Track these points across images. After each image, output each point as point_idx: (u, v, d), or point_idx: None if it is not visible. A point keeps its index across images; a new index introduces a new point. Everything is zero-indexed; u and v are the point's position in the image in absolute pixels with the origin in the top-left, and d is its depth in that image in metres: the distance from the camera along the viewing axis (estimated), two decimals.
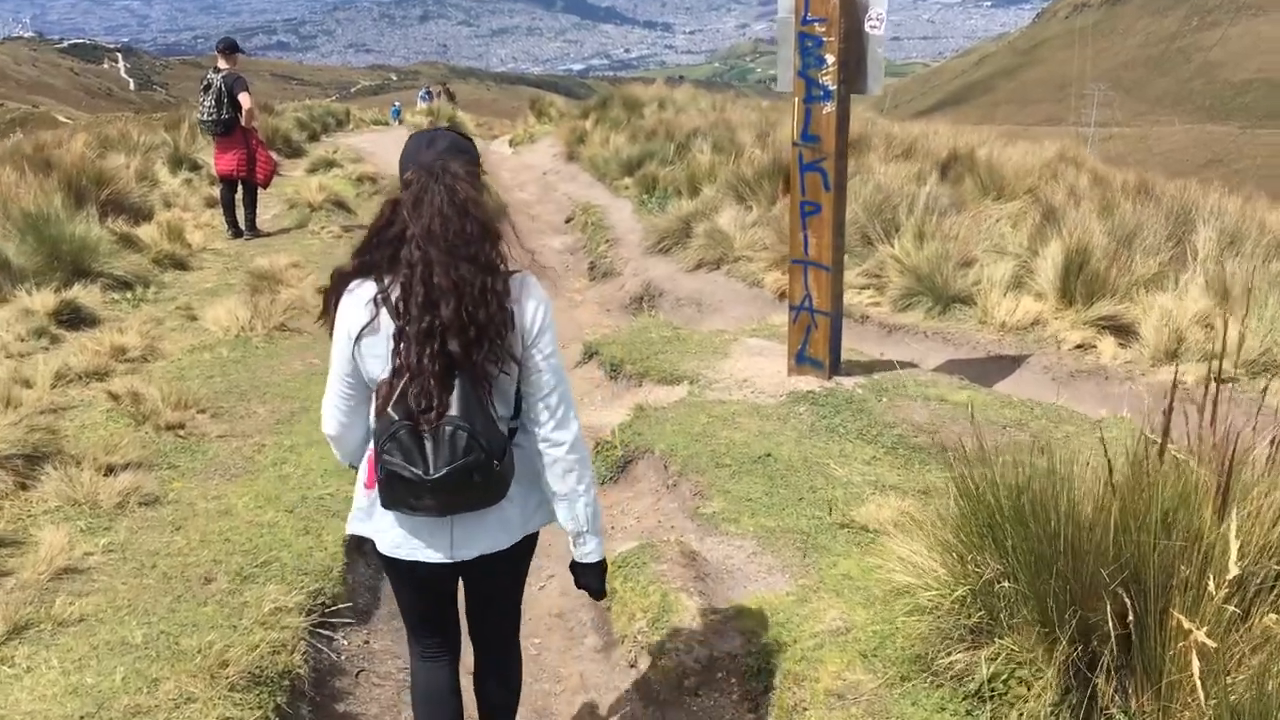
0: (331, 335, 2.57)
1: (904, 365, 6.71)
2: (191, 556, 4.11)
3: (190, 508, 4.58)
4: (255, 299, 7.66)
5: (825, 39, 5.63)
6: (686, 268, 10.22)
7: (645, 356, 7.21)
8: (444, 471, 2.35)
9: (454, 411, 2.35)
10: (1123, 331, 7.25)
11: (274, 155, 17.80)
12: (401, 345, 2.39)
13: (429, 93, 34.27)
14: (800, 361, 6.30)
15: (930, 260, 8.27)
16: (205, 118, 10.70)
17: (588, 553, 2.70)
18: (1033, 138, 18.80)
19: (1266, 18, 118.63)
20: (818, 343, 6.20)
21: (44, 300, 7.44)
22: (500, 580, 2.79)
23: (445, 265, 2.34)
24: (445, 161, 2.44)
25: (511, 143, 24.24)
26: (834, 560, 4.26)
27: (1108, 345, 7.07)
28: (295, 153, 19.27)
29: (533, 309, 2.50)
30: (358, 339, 2.48)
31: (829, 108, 5.74)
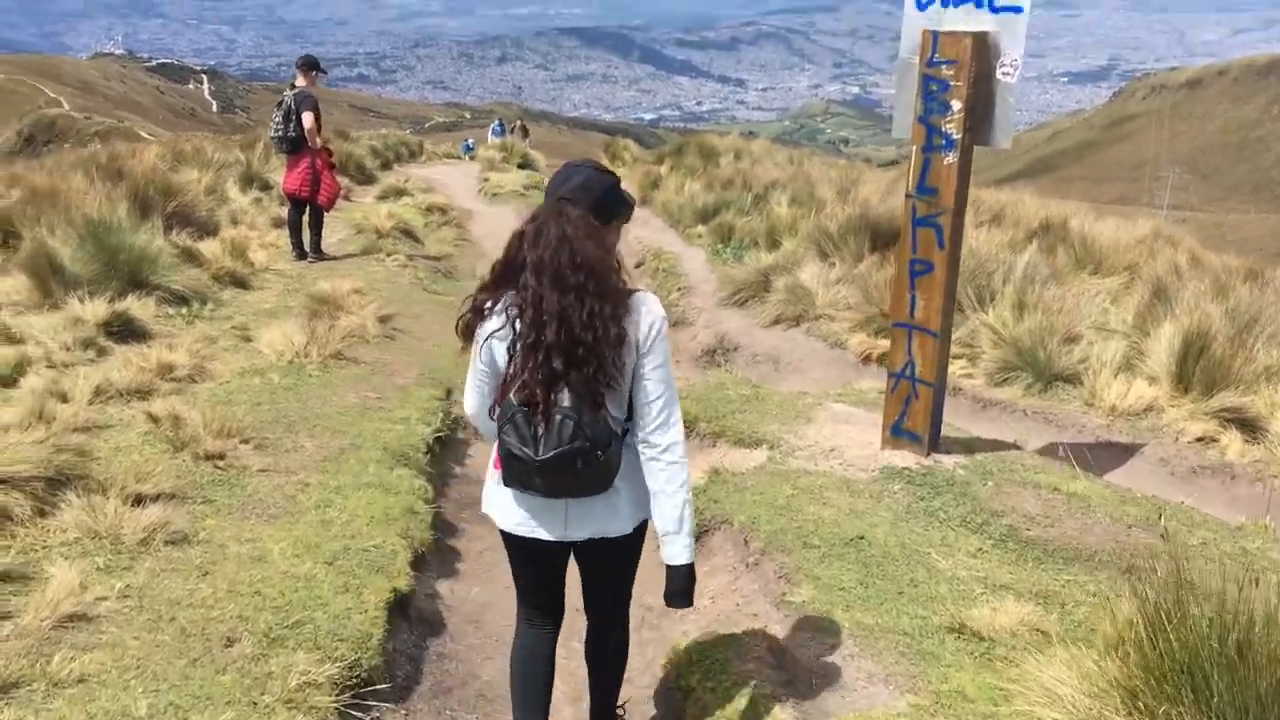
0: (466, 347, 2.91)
1: (1007, 446, 6.11)
2: (215, 610, 3.64)
3: (221, 550, 4.11)
4: (313, 324, 7.27)
5: (952, 83, 5.12)
6: (763, 323, 9.70)
7: (721, 415, 6.69)
8: (550, 455, 2.64)
9: (565, 403, 2.65)
10: (1248, 426, 6.58)
11: (343, 180, 17.69)
12: (516, 354, 2.73)
13: (502, 126, 34.20)
14: (896, 434, 5.73)
15: (1032, 333, 7.67)
16: (274, 134, 10.46)
17: (675, 554, 2.85)
18: (1108, 215, 18.14)
19: None
20: (917, 415, 5.63)
21: (95, 310, 7.10)
22: (611, 562, 3.07)
23: (552, 294, 2.66)
24: (565, 204, 2.78)
25: None
26: (944, 672, 3.68)
27: (1233, 441, 6.41)
28: (367, 180, 19.14)
29: (646, 325, 2.77)
30: (488, 338, 2.81)
31: (950, 158, 5.22)
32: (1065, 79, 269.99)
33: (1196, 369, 7.11)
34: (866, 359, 8.48)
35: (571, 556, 3.06)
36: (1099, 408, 7.03)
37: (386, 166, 22.14)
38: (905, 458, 5.65)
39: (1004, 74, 5.18)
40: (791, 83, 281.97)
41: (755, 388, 7.32)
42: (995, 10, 5.14)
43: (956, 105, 5.13)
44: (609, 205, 2.86)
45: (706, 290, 11.25)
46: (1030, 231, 12.89)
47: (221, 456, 4.94)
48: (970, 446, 5.96)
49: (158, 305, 7.98)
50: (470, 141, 35.16)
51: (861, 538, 4.75)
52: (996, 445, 6.07)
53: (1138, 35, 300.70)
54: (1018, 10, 5.10)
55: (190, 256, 9.26)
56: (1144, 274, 10.73)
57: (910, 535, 4.84)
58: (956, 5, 5.21)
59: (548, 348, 2.65)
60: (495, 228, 15.17)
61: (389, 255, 11.08)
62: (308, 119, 10.22)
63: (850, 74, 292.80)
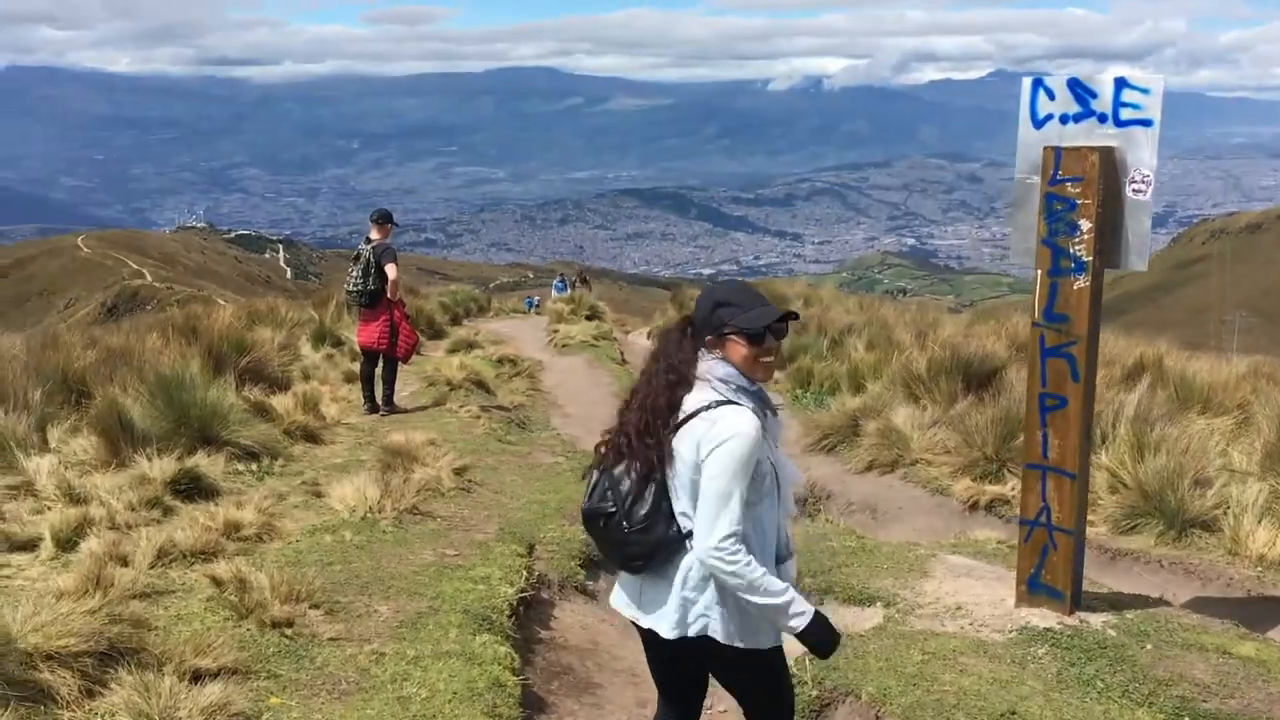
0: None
1: (1155, 602, 5.45)
2: None
3: None
4: (386, 477, 6.90)
5: (1080, 201, 4.73)
6: (855, 469, 9.16)
7: (827, 569, 6.12)
8: (585, 506, 3.04)
9: (615, 470, 2.97)
10: None
11: (417, 333, 17.71)
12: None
13: (564, 282, 34.36)
14: (1034, 590, 5.12)
15: (1159, 475, 7.04)
16: (352, 288, 10.35)
17: (785, 628, 2.94)
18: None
19: None
20: (1056, 568, 5.03)
21: (163, 468, 6.79)
22: (718, 670, 3.10)
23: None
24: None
25: (649, 334, 23.86)
26: None
27: None
28: (437, 334, 19.14)
29: (708, 440, 2.86)
30: None
31: (1081, 282, 4.78)
32: None
33: None
34: (973, 506, 7.88)
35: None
36: (1245, 557, 6.34)
37: (456, 321, 22.23)
38: (1045, 616, 5.03)
39: (1135, 191, 4.78)
40: (847, 236, 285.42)
41: (860, 539, 6.75)
42: (1121, 125, 4.78)
43: (1085, 225, 4.72)
44: (700, 321, 3.01)
45: (789, 437, 10.75)
46: (1126, 370, 12.29)
47: (289, 624, 4.49)
48: (1114, 603, 5.32)
49: (227, 462, 7.68)
50: (535, 299, 35.49)
51: (1013, 713, 4.13)
52: (1143, 601, 5.41)
53: (1193, 182, 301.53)
54: (1147, 124, 4.73)
55: (262, 411, 9.02)
56: (1257, 412, 10.06)
57: (1068, 710, 4.20)
58: (1078, 121, 4.87)
59: (623, 420, 3.03)
60: (566, 378, 14.93)
61: (461, 406, 10.79)
62: (391, 270, 10.11)
63: (905, 225, 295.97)
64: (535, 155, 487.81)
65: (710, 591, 2.90)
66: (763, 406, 2.96)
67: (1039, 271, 4.89)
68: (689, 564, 2.91)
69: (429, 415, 10.60)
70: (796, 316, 3.18)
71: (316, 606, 4.70)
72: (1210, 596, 6.01)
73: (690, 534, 2.89)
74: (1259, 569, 6.19)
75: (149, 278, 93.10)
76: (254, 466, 7.77)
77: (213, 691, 3.71)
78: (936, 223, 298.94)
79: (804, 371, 13.34)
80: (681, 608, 2.92)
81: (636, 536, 2.90)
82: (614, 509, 2.92)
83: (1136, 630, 4.91)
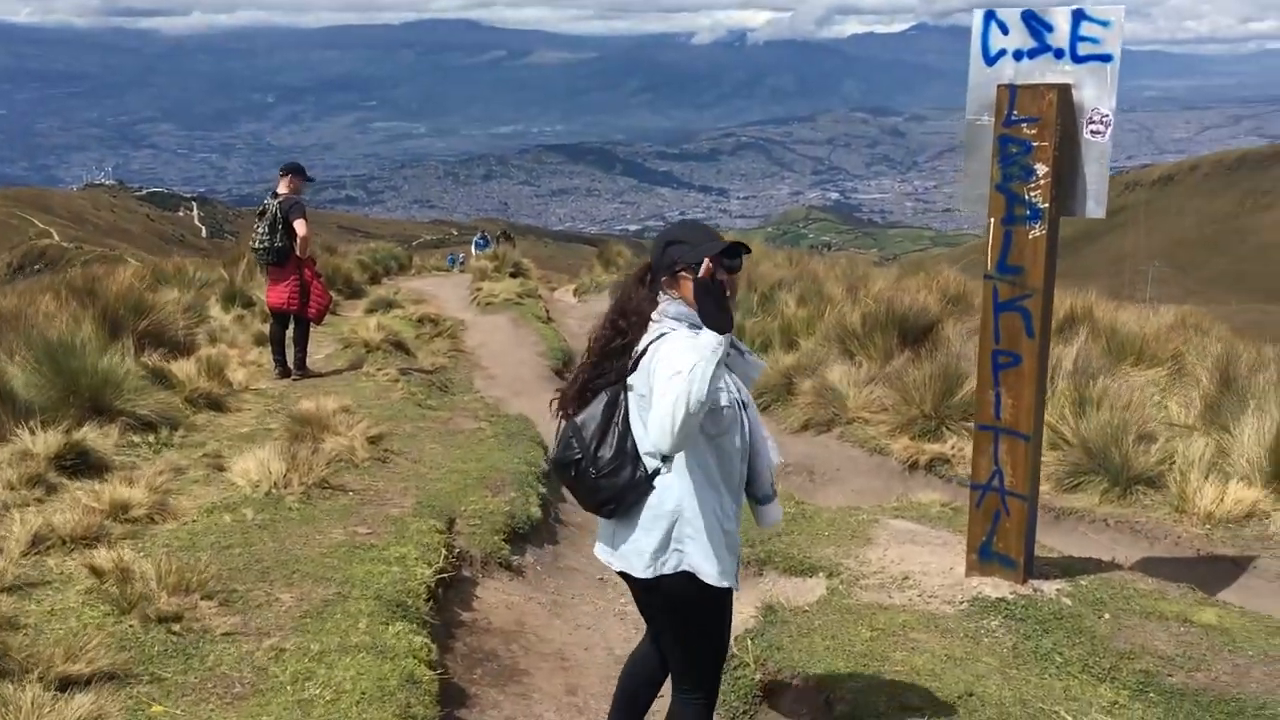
0: None
1: (1108, 566, 5.22)
2: None
3: None
4: (294, 448, 6.40)
5: (1036, 144, 4.40)
6: (790, 429, 8.87)
7: (766, 538, 5.80)
8: (553, 455, 3.09)
9: (579, 417, 3.01)
10: None
11: (331, 293, 17.02)
12: None
13: (485, 239, 33.54)
14: (986, 558, 4.85)
15: (1102, 432, 6.85)
16: (257, 245, 9.73)
17: (714, 354, 2.78)
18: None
19: None
20: (1009, 534, 4.76)
21: (47, 441, 6.22)
22: (655, 612, 3.14)
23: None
24: None
25: (576, 291, 23.40)
26: None
27: None
28: (355, 293, 18.44)
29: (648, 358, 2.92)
30: None
31: (1037, 230, 4.46)
32: None
33: None
34: (913, 466, 7.64)
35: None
36: (1192, 515, 6.17)
37: (375, 280, 21.48)
38: (998, 585, 4.77)
39: (1093, 132, 4.46)
40: (772, 190, 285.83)
41: (800, 504, 6.44)
42: (1079, 60, 4.45)
43: (1042, 169, 4.40)
44: (654, 261, 3.05)
45: None
46: (1058, 322, 12.18)
47: (178, 618, 4.02)
48: (1067, 569, 5.08)
49: (122, 433, 7.11)
50: (459, 256, 34.74)
51: (970, 694, 3.84)
52: (1096, 566, 5.18)
53: None
54: (1105, 59, 4.41)
55: (161, 378, 8.42)
56: (1192, 363, 9.99)
57: (1027, 688, 3.93)
58: (1033, 57, 4.53)
59: (580, 367, 3.12)
60: (490, 338, 14.43)
61: (379, 370, 10.26)
62: (300, 226, 9.50)
63: (829, 180, 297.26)
64: (457, 109, 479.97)
65: (680, 526, 2.92)
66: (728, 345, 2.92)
67: (992, 220, 4.57)
68: (657, 502, 2.92)
69: (344, 379, 10.06)
70: (748, 249, 3.11)
71: (210, 597, 4.24)
72: (1159, 557, 5.83)
73: (657, 473, 2.93)
74: (1207, 527, 6.02)
75: (56, 237, 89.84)
76: (151, 438, 7.21)
77: (82, 703, 3.25)
78: (860, 177, 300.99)
79: (735, 328, 13.01)
80: (652, 544, 2.94)
81: (605, 481, 2.93)
82: (580, 455, 2.95)
83: (1092, 598, 4.67)
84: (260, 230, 9.67)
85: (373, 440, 7.13)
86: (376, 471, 6.63)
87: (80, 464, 6.25)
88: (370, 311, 15.14)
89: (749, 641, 4.53)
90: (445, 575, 5.02)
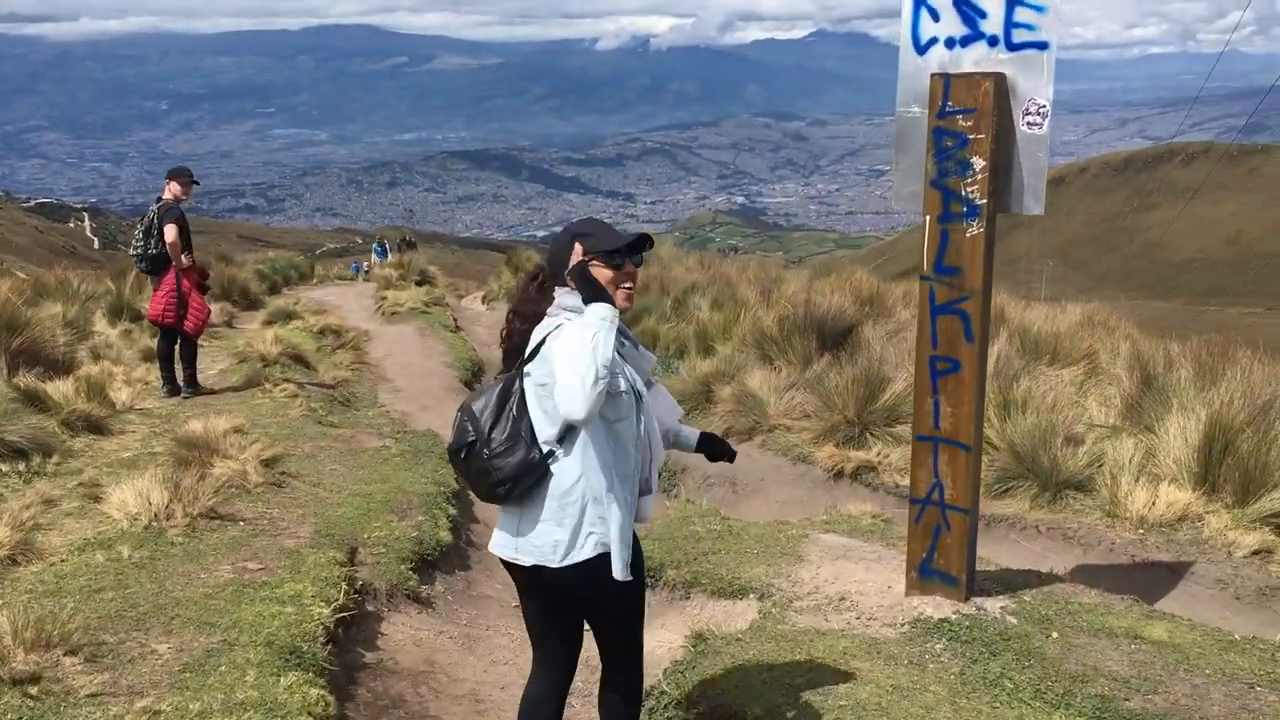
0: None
1: (1049, 579, 5.01)
2: None
3: None
4: (179, 474, 5.88)
5: (972, 137, 4.15)
6: None
7: (692, 558, 5.48)
8: (449, 444, 3.00)
9: (473, 406, 2.97)
10: None
11: (226, 306, 16.26)
12: None
13: (383, 247, 32.69)
14: (926, 576, 4.58)
15: (1030, 435, 6.68)
16: (133, 252, 9.13)
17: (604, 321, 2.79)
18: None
19: (1202, 200, 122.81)
20: (950, 550, 4.51)
21: None
22: (571, 620, 3.10)
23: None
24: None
25: (485, 299, 22.86)
26: None
27: None
28: (253, 305, 17.70)
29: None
30: None
31: (975, 229, 4.21)
32: None
33: (1222, 468, 6.19)
34: (839, 474, 7.40)
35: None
36: (1124, 519, 6.02)
37: (275, 290, 20.71)
38: (939, 605, 4.50)
39: (1030, 124, 4.23)
40: (679, 195, 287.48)
41: (725, 520, 6.13)
42: (1013, 48, 4.21)
43: (979, 163, 4.15)
44: (558, 260, 2.99)
45: None
46: None
47: (35, 680, 3.53)
48: (1008, 583, 4.85)
49: None
50: (363, 264, 33.90)
51: None
52: (1037, 579, 4.96)
53: None
54: (1042, 46, 4.18)
55: (34, 400, 7.77)
56: (1107, 362, 9.98)
57: (979, 719, 3.66)
58: (965, 45, 4.28)
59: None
60: (395, 348, 13.90)
61: (276, 385, 9.69)
62: (169, 231, 8.90)
63: (734, 184, 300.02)
64: (359, 116, 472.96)
65: (592, 508, 2.88)
66: (620, 337, 2.94)
67: (928, 218, 4.31)
68: (561, 488, 2.88)
69: (239, 396, 9.48)
70: (651, 241, 3.08)
71: (74, 652, 3.74)
72: (1095, 564, 5.66)
73: (552, 454, 2.90)
74: (1140, 532, 5.87)
75: None
76: (21, 467, 6.60)
77: None
78: (765, 181, 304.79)
79: (648, 335, 12.71)
80: (566, 532, 2.89)
81: (499, 461, 2.88)
82: (474, 438, 2.90)
83: (1037, 616, 4.44)
84: (137, 236, 9.08)
85: (267, 463, 6.62)
86: (271, 498, 6.13)
87: None
88: (269, 323, 14.48)
89: (678, 675, 4.20)
90: (346, 613, 4.58)
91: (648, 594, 5.65)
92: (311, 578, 4.73)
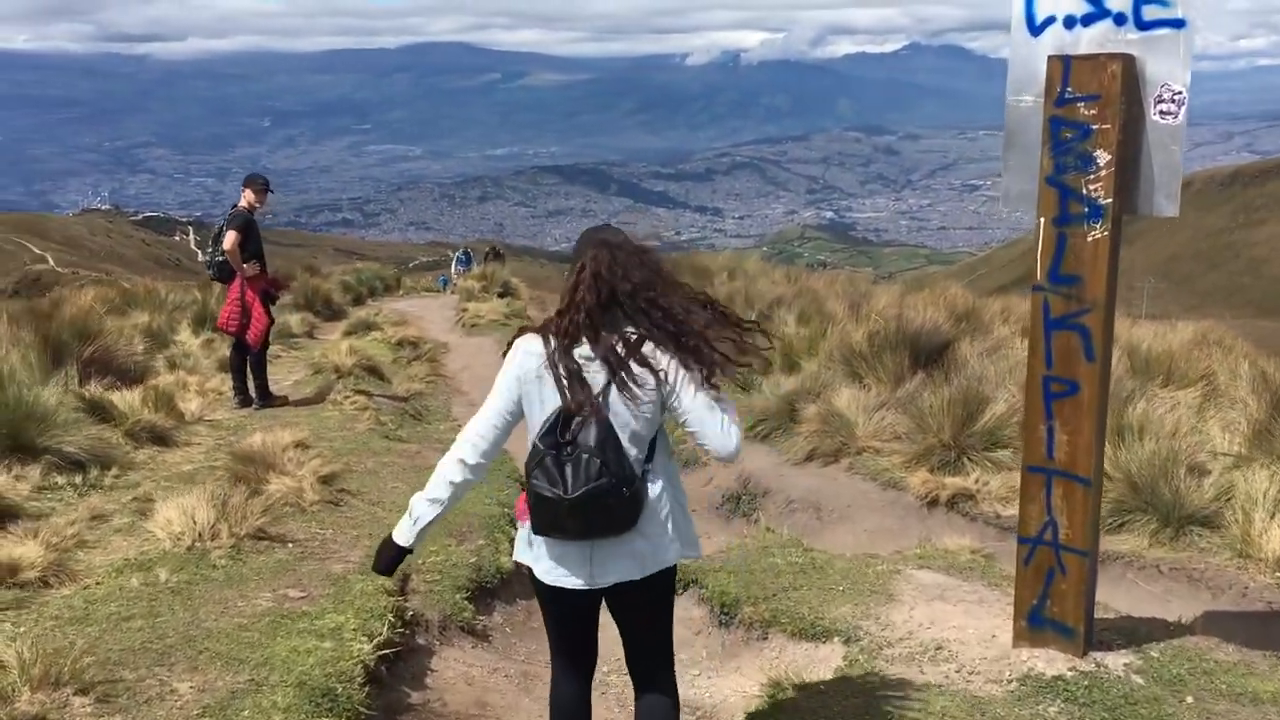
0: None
1: (1178, 629, 4.42)
2: None
3: None
4: (230, 492, 5.60)
5: (1096, 127, 3.62)
6: (794, 459, 8.07)
7: (771, 594, 5.01)
8: (580, 492, 2.74)
9: (590, 442, 2.77)
10: None
11: (308, 317, 16.23)
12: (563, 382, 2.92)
13: (468, 256, 32.32)
14: (1037, 625, 4.04)
15: (1150, 464, 6.05)
16: (204, 258, 9.01)
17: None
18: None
19: None
20: (1065, 597, 3.96)
21: None
22: (641, 610, 3.08)
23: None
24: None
25: None
26: None
27: None
28: (336, 315, 17.73)
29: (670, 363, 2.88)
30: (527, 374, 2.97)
31: (1098, 232, 3.69)
32: None
33: None
34: (932, 502, 6.83)
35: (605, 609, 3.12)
36: (1259, 560, 5.36)
37: (359, 301, 20.77)
38: (1052, 659, 3.96)
39: (1163, 113, 3.69)
40: (767, 210, 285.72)
41: (808, 552, 5.63)
42: (1144, 26, 3.68)
43: (1103, 157, 3.62)
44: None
45: None
46: None
47: None
48: (1131, 634, 4.27)
49: (45, 474, 6.33)
50: (445, 275, 33.90)
51: None
52: (1164, 630, 4.38)
53: None
54: (1177, 25, 3.64)
55: (99, 410, 7.62)
56: (1227, 384, 9.22)
57: None
58: (1088, 24, 3.76)
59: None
60: (473, 360, 13.65)
61: (347, 398, 9.46)
62: (229, 239, 8.73)
63: (823, 199, 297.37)
64: (452, 132, 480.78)
65: (673, 517, 2.96)
66: None
67: (1042, 220, 3.79)
68: (654, 502, 2.90)
69: (310, 409, 9.27)
70: None
71: (86, 691, 3.42)
72: (1226, 611, 5.03)
73: (646, 472, 2.89)
74: (1278, 575, 5.22)
75: (52, 262, 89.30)
76: (76, 480, 6.41)
77: None
78: (855, 195, 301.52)
79: None
80: (655, 545, 2.92)
81: (632, 496, 2.82)
82: (613, 479, 2.77)
83: (1168, 675, 3.87)
84: (209, 245, 8.96)
85: (325, 480, 6.32)
86: (326, 517, 5.83)
87: None
88: (348, 334, 14.38)
89: None
90: (392, 649, 4.21)
91: (723, 632, 5.22)
92: (355, 608, 4.38)
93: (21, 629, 3.91)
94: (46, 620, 4.05)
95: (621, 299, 2.83)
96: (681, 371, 2.82)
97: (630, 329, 2.84)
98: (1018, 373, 8.28)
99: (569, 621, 3.09)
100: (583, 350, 2.83)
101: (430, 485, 2.99)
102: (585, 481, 2.73)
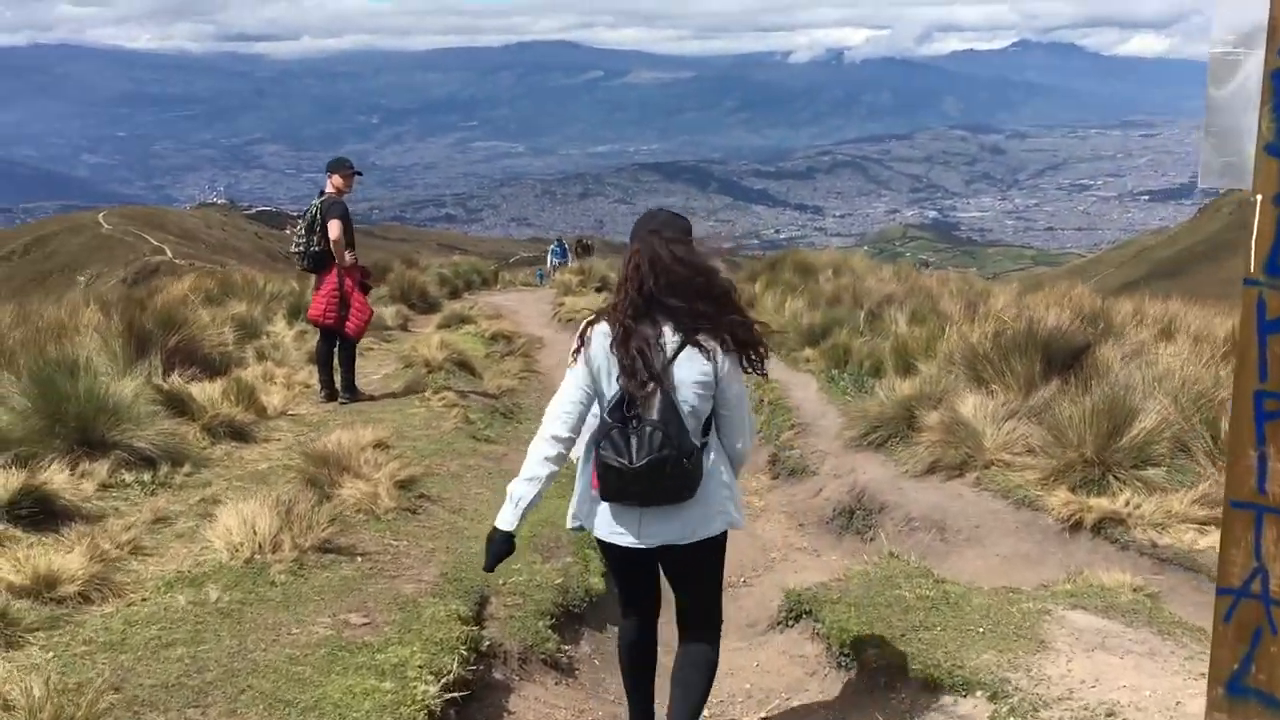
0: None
1: None
2: None
3: None
4: (299, 496, 5.14)
5: None
6: (914, 472, 7.34)
7: (898, 633, 4.33)
8: (644, 462, 3.05)
9: (654, 416, 3.10)
10: None
11: (402, 309, 15.94)
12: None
13: (563, 247, 32.13)
14: (1238, 694, 3.30)
15: None
16: (294, 249, 8.63)
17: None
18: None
19: None
20: (1276, 663, 3.22)
21: (5, 484, 5.08)
22: (688, 572, 3.39)
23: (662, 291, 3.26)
24: (655, 235, 3.26)
25: None
26: None
27: None
28: (430, 308, 17.44)
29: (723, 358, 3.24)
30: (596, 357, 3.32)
31: None
32: (1146, 197, 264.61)
33: None
34: (1075, 525, 6.05)
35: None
36: None
37: (455, 295, 20.48)
38: None
39: None
40: (868, 208, 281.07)
41: (939, 584, 4.93)
42: None
43: None
44: (691, 232, 3.31)
45: (827, 428, 8.96)
46: (1213, 343, 10.42)
47: None
48: None
49: (113, 470, 5.98)
50: (543, 270, 33.68)
51: None
52: None
53: None
54: None
55: (176, 404, 7.29)
56: None
57: None
58: None
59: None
60: (569, 356, 13.16)
61: (435, 393, 9.03)
62: (334, 228, 8.36)
63: (927, 198, 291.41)
64: (555, 129, 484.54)
65: (722, 489, 3.26)
66: None
67: (1259, 198, 3.04)
68: (708, 474, 3.18)
69: (397, 404, 8.87)
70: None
71: None
72: None
73: (705, 445, 3.21)
74: None
75: (169, 254, 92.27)
76: (146, 477, 6.05)
77: None
78: (959, 195, 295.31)
79: (840, 349, 11.50)
80: (707, 513, 3.21)
81: (692, 467, 3.09)
82: (673, 449, 3.05)
83: None
84: (299, 233, 8.58)
85: (404, 484, 5.84)
86: (401, 526, 5.33)
87: (42, 512, 5.09)
88: (442, 328, 14.03)
89: None
90: (464, 688, 3.66)
91: (841, 675, 4.56)
92: (424, 639, 3.84)
93: (50, 654, 3.47)
94: (79, 645, 3.60)
95: (665, 289, 3.11)
96: (726, 357, 3.16)
97: (681, 314, 3.12)
98: (1167, 381, 7.44)
99: (626, 573, 3.47)
100: (642, 332, 3.11)
101: (525, 466, 3.21)
102: (649, 452, 3.03)
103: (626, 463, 3.04)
